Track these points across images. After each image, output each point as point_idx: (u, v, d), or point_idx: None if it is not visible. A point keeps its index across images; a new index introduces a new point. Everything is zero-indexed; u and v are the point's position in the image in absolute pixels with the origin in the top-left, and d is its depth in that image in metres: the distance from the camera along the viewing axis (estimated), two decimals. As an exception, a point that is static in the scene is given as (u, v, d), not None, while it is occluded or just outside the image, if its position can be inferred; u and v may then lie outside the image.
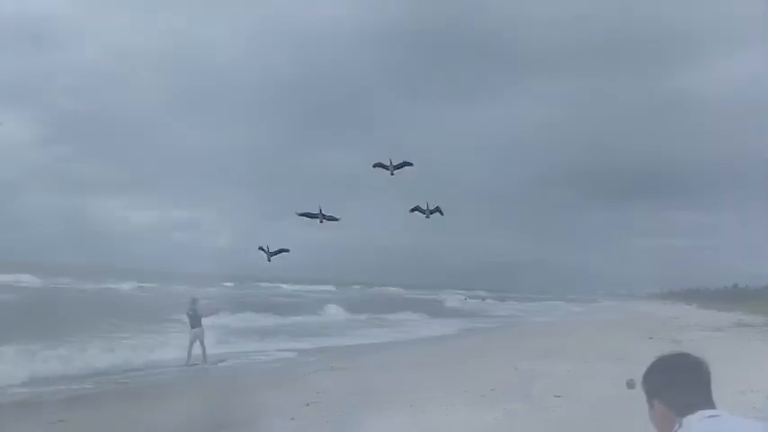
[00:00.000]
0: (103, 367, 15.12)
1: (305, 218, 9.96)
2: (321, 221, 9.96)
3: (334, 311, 39.62)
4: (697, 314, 45.81)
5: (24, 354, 14.87)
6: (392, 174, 9.84)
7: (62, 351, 16.05)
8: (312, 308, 39.83)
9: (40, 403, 11.17)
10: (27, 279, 47.87)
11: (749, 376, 11.32)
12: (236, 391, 11.75)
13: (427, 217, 10.13)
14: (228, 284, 59.13)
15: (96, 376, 14.18)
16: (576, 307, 72.25)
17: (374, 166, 10.01)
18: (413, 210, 10.14)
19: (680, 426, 2.04)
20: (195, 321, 16.93)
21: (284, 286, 69.80)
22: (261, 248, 10.44)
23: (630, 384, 2.60)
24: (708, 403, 2.11)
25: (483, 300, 78.90)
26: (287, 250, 10.54)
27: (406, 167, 9.98)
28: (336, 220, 10.10)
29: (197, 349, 16.72)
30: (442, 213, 10.27)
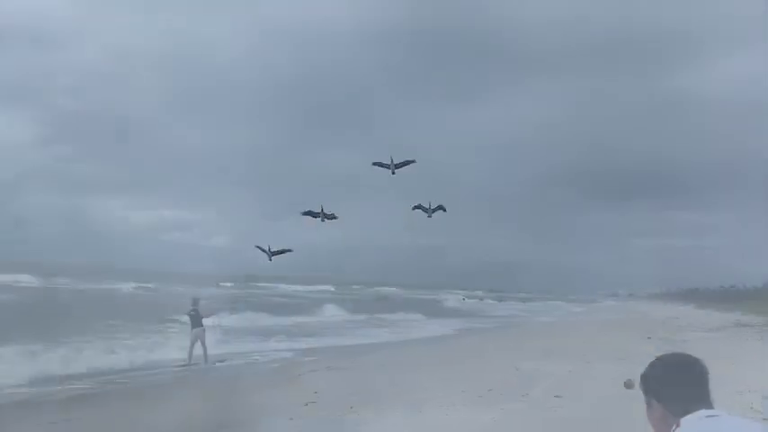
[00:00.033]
0: (103, 367, 15.11)
1: (308, 216, 9.99)
2: (323, 220, 9.98)
3: (333, 311, 39.64)
4: (695, 314, 45.83)
5: (23, 354, 14.87)
6: (393, 173, 9.82)
7: (62, 351, 16.05)
8: (311, 308, 39.84)
9: (39, 403, 11.16)
10: (26, 279, 47.88)
11: (747, 376, 11.34)
12: (235, 391, 11.75)
13: (429, 216, 10.12)
14: (228, 285, 59.13)
15: (96, 376, 14.18)
16: (576, 307, 72.32)
17: (374, 164, 9.99)
18: (415, 207, 10.13)
19: (678, 426, 2.05)
20: (196, 321, 16.93)
21: (283, 286, 69.80)
22: (258, 247, 10.44)
23: (629, 384, 2.60)
24: (706, 403, 2.11)
25: (481, 300, 78.98)
26: (290, 250, 10.55)
27: (408, 165, 9.96)
28: (335, 218, 10.12)
29: (198, 349, 16.71)
30: (445, 210, 10.27)
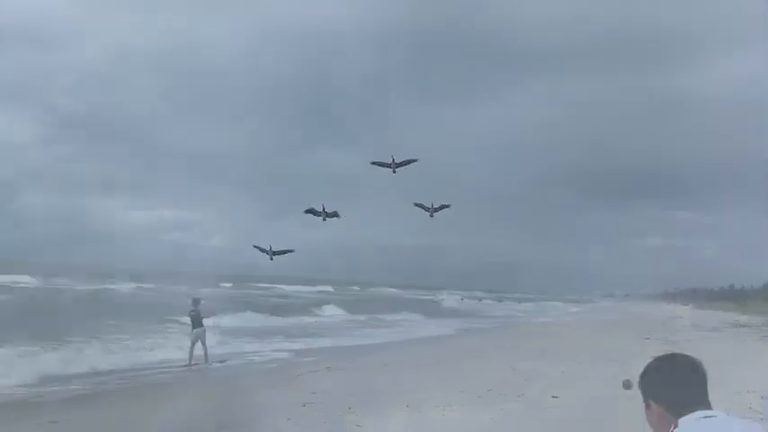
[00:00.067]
0: (104, 368, 15.10)
1: (310, 214, 9.99)
2: (324, 219, 9.99)
3: (332, 312, 39.66)
4: (694, 314, 45.88)
5: (23, 354, 14.85)
6: (394, 171, 9.79)
7: (61, 352, 16.06)
8: (310, 308, 39.88)
9: (39, 404, 11.15)
10: (25, 279, 47.82)
11: (746, 377, 11.36)
12: (234, 391, 11.75)
13: (431, 215, 10.10)
14: (227, 285, 59.13)
15: (96, 377, 14.17)
16: (574, 307, 72.42)
17: (373, 163, 9.97)
18: (416, 205, 10.12)
19: (676, 426, 2.05)
20: (197, 322, 16.93)
21: (282, 287, 69.80)
22: (257, 248, 10.43)
23: (627, 385, 2.60)
24: (704, 404, 2.11)
25: (479, 300, 79.05)
26: (291, 251, 10.55)
27: (408, 165, 9.94)
28: (338, 216, 10.12)
29: (199, 350, 16.73)
30: (449, 207, 10.25)
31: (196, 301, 17.67)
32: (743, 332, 26.30)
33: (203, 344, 16.77)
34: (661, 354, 2.39)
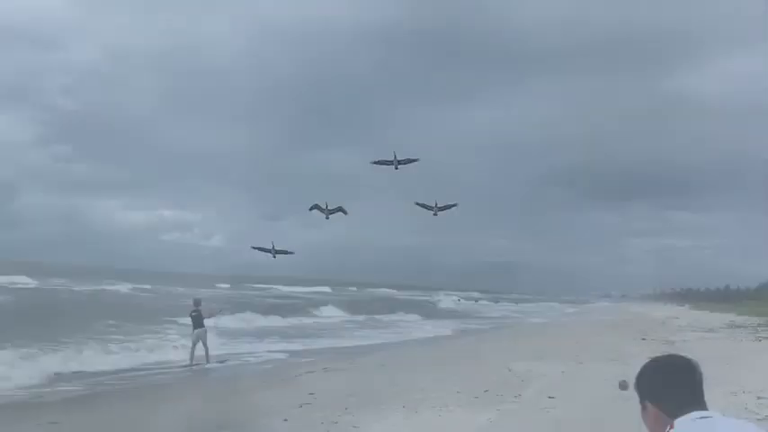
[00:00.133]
0: (102, 368, 15.08)
1: (315, 210, 10.01)
2: (327, 217, 10.00)
3: (330, 312, 39.64)
4: (690, 315, 45.96)
5: (22, 356, 14.79)
6: (396, 168, 9.79)
7: (61, 352, 16.00)
8: (308, 309, 39.86)
9: (39, 405, 11.13)
10: (24, 280, 47.75)
11: (741, 377, 11.39)
12: (232, 392, 11.74)
13: (435, 214, 10.11)
14: (224, 286, 59.10)
15: (95, 377, 14.17)
16: (570, 308, 72.49)
17: (373, 163, 9.97)
18: (417, 204, 10.12)
19: (672, 427, 2.05)
20: (198, 322, 16.95)
21: (280, 287, 69.76)
22: (257, 248, 10.44)
23: (623, 385, 2.61)
24: (700, 404, 2.12)
25: (476, 301, 79.08)
26: (291, 252, 10.57)
27: (410, 164, 9.95)
28: (344, 212, 10.14)
29: (200, 350, 16.74)
30: (456, 206, 10.26)
31: (197, 302, 17.72)
32: (738, 332, 26.35)
33: (204, 344, 16.80)
34: (657, 354, 2.39)
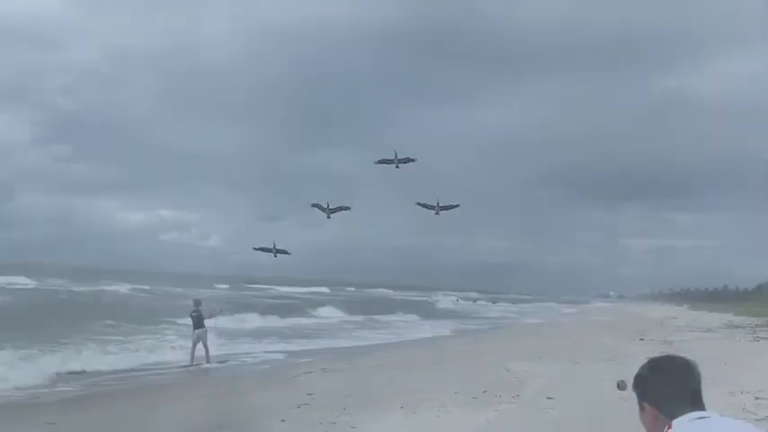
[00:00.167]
0: (101, 369, 15.07)
1: (315, 208, 10.02)
2: (328, 216, 10.01)
3: (328, 313, 39.62)
4: (688, 315, 46.03)
5: (21, 356, 14.76)
6: (397, 167, 9.84)
7: (59, 353, 15.97)
8: (307, 310, 39.86)
9: (36, 405, 11.12)
10: (22, 281, 47.73)
11: (739, 377, 11.40)
12: (230, 392, 11.74)
13: (437, 213, 10.13)
14: (223, 286, 59.08)
15: (94, 378, 14.18)
16: (569, 308, 72.50)
17: (377, 162, 10.01)
18: (419, 204, 10.14)
19: (670, 428, 2.05)
20: (198, 323, 16.96)
21: (278, 288, 69.74)
22: (258, 249, 10.45)
23: (621, 386, 2.60)
24: (698, 405, 2.12)
25: (474, 301, 79.12)
26: (289, 253, 10.57)
27: (409, 163, 9.98)
28: (347, 209, 10.14)
29: (200, 350, 16.77)
30: (458, 207, 10.29)
31: (197, 303, 17.75)
32: (737, 333, 26.39)
33: (205, 345, 16.82)
34: (655, 355, 2.39)
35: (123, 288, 49.32)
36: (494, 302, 79.83)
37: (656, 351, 13.62)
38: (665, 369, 2.22)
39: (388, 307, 46.69)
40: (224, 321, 20.36)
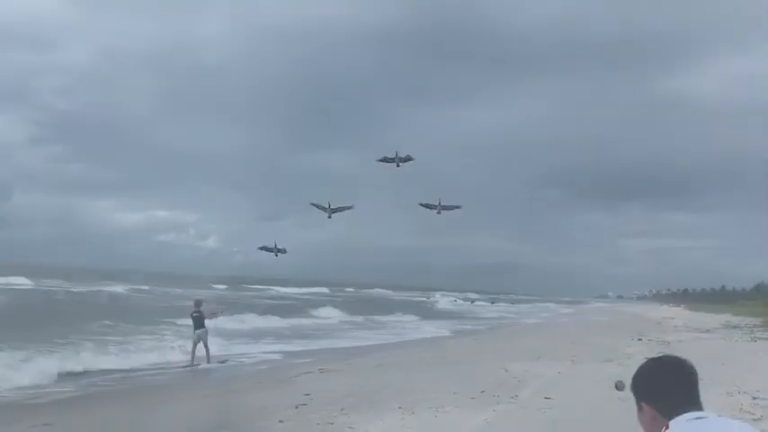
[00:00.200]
0: (99, 369, 15.06)
1: (315, 211, 10.03)
2: (329, 216, 10.02)
3: (327, 313, 39.62)
4: (686, 315, 46.09)
5: (19, 357, 14.72)
6: (398, 165, 9.89)
7: (58, 353, 15.92)
8: (306, 310, 39.86)
9: (34, 406, 11.11)
10: (21, 281, 47.72)
11: (737, 378, 11.41)
12: (228, 393, 11.72)
13: (438, 212, 10.16)
14: (221, 287, 59.04)
15: (92, 378, 14.18)
16: (567, 308, 72.55)
17: (378, 161, 10.04)
18: (421, 205, 10.17)
19: (667, 428, 2.06)
20: (199, 323, 16.98)
21: (278, 288, 69.75)
22: (263, 248, 10.45)
23: (619, 386, 2.61)
24: (696, 405, 2.12)
25: (472, 302, 79.15)
26: (285, 251, 10.59)
27: (409, 162, 10.01)
28: (350, 208, 10.15)
29: (200, 351, 16.79)
30: (459, 207, 10.32)
31: (198, 303, 17.80)
32: (734, 333, 26.42)
33: (205, 345, 16.86)
34: (653, 355, 2.39)
35: (121, 288, 49.30)
36: (492, 303, 79.90)
37: (654, 351, 13.63)
38: (662, 369, 2.22)
39: (388, 307, 46.70)
40: (223, 322, 20.36)
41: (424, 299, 74.81)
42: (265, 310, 35.43)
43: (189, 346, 17.29)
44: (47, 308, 29.10)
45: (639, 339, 21.38)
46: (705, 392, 2.19)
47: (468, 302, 78.00)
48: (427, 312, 49.14)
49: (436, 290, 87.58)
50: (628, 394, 2.32)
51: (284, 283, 71.94)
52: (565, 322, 40.96)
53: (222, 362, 17.02)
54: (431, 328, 32.40)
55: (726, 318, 39.17)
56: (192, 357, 16.66)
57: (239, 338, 21.79)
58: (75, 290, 45.25)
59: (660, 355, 2.39)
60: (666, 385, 2.15)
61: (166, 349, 18.36)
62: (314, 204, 10.21)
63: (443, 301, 75.31)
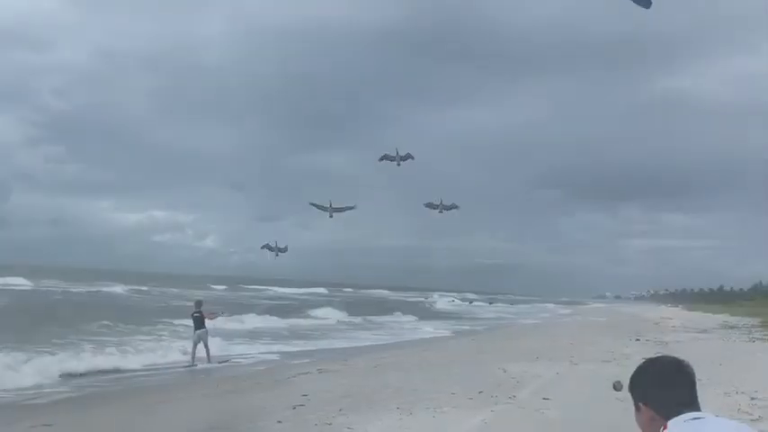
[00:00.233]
0: (98, 370, 15.04)
1: (314, 208, 10.04)
2: (331, 216, 10.03)
3: (326, 314, 39.65)
4: (684, 316, 46.14)
5: (17, 357, 14.69)
6: (398, 164, 9.93)
7: (57, 354, 15.90)
8: (305, 310, 39.87)
9: (33, 406, 11.10)
10: (20, 282, 47.69)
11: (735, 378, 11.43)
12: (226, 393, 11.70)
13: (440, 212, 10.19)
14: (220, 287, 59.04)
15: (91, 378, 14.18)
16: (565, 309, 72.61)
17: (379, 159, 10.07)
18: (426, 205, 10.20)
19: (665, 428, 2.06)
20: (199, 323, 17.01)
21: (276, 289, 69.76)
22: (265, 247, 10.46)
23: (617, 386, 2.61)
24: (693, 406, 2.12)
25: (471, 302, 79.20)
26: (285, 251, 10.60)
27: (408, 160, 10.03)
28: (352, 208, 10.17)
29: (201, 351, 16.82)
30: (458, 208, 10.35)
31: (198, 304, 17.86)
32: (732, 333, 26.47)
33: (206, 345, 16.91)
34: (651, 355, 2.39)
35: (120, 289, 49.28)
36: (490, 303, 79.97)
37: (652, 352, 13.65)
38: (660, 370, 2.22)
39: (386, 308, 46.74)
40: (221, 322, 20.39)
41: (423, 299, 74.83)
42: (264, 311, 35.45)
43: (188, 346, 17.34)
44: (46, 309, 29.05)
45: (637, 340, 21.41)
46: (703, 393, 2.19)
47: (467, 303, 78.08)
48: (425, 313, 49.16)
49: (434, 290, 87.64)
50: (626, 395, 2.32)
51: (282, 284, 71.92)
52: (563, 323, 40.99)
53: (223, 362, 17.07)
54: (429, 329, 32.42)
55: (724, 318, 39.25)
56: (193, 357, 16.73)
57: (237, 339, 21.79)
58: (73, 290, 45.23)
59: (658, 355, 2.38)
60: (664, 386, 2.15)
61: (165, 350, 18.37)
62: (314, 204, 10.23)
63: (441, 301, 75.35)
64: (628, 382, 2.30)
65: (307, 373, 13.42)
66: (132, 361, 16.42)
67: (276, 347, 20.93)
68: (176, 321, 24.60)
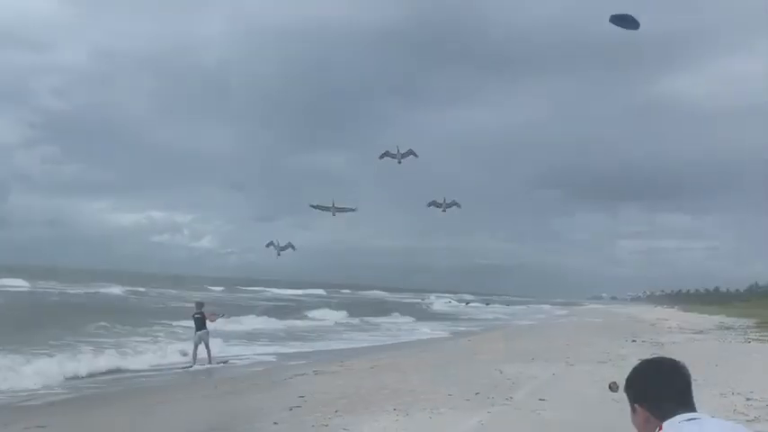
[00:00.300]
0: (96, 371, 15.00)
1: (314, 209, 10.04)
2: (334, 215, 10.03)
3: (324, 315, 39.67)
4: (680, 317, 46.21)
5: (15, 359, 14.63)
6: (399, 162, 9.94)
7: (56, 355, 15.85)
8: (302, 312, 39.86)
9: (27, 408, 11.07)
10: (18, 283, 47.57)
11: (731, 379, 11.46)
12: (223, 394, 11.70)
13: (443, 211, 10.21)
14: (218, 288, 58.94)
15: (88, 380, 14.15)
16: (561, 310, 72.68)
17: (380, 157, 10.07)
18: (429, 204, 10.21)
19: (660, 429, 2.07)
20: (200, 324, 17.04)
21: (273, 290, 69.67)
22: (270, 245, 10.44)
23: (613, 387, 2.62)
24: (689, 406, 2.13)
25: (467, 303, 79.24)
26: (288, 248, 10.58)
27: (409, 157, 10.04)
28: (353, 210, 10.17)
29: (202, 352, 16.85)
30: (459, 206, 10.36)
31: (199, 305, 17.91)
32: (728, 334, 26.53)
33: (207, 346, 16.94)
34: (647, 356, 2.40)
35: (118, 290, 49.17)
36: (487, 304, 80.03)
37: (648, 353, 13.66)
38: (656, 371, 2.23)
39: (383, 309, 46.76)
40: (220, 323, 20.39)
41: (419, 300, 74.85)
42: (262, 312, 35.44)
43: (186, 347, 17.37)
44: (44, 310, 29.00)
45: (633, 341, 21.44)
46: (699, 394, 2.20)
47: (463, 304, 78.13)
48: (422, 314, 49.18)
49: (431, 291, 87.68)
50: (622, 395, 2.33)
51: (280, 285, 71.87)
52: (559, 324, 41.03)
53: (223, 362, 17.11)
54: (426, 330, 32.44)
55: (719, 319, 39.33)
56: (194, 358, 16.77)
57: (234, 340, 21.77)
58: (71, 291, 45.13)
59: (654, 356, 2.39)
60: (660, 387, 2.16)
61: (162, 351, 18.36)
62: (314, 206, 10.20)
63: (438, 302, 75.41)
64: (624, 383, 2.31)
65: (303, 375, 13.41)
66: (131, 362, 16.41)
67: (272, 349, 20.91)
68: (174, 323, 24.57)
